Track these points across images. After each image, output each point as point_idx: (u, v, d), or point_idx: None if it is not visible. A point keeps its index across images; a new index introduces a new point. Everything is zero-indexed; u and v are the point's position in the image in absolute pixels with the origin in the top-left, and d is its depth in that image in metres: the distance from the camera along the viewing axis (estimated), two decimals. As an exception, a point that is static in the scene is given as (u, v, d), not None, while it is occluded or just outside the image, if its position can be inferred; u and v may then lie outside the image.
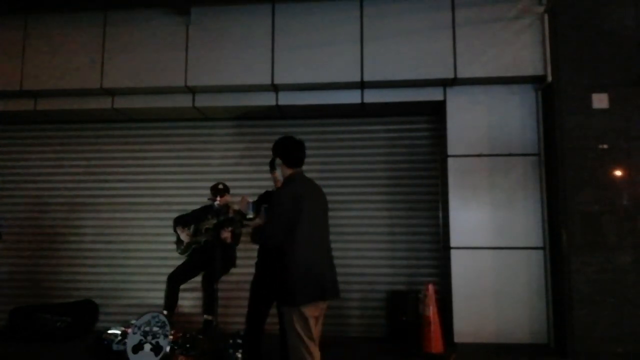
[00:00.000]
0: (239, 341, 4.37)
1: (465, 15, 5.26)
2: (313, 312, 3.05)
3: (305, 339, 2.99)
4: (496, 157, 5.27)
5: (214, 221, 4.88)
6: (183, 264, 5.14)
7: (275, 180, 3.79)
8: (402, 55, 5.27)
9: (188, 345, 4.49)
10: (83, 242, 6.24)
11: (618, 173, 4.78)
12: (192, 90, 5.65)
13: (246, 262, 5.82)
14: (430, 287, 5.03)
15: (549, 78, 5.03)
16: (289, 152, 3.40)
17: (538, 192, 5.18)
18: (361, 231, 5.89)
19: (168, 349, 4.36)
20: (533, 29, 5.17)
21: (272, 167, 3.65)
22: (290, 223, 3.08)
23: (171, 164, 6.16)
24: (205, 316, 5.04)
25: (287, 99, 5.61)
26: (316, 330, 3.11)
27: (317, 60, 5.36)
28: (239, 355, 4.28)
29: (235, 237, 4.92)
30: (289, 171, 3.35)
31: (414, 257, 5.82)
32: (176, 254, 5.24)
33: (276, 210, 3.14)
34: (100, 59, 5.62)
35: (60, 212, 6.30)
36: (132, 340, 4.31)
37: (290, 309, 3.03)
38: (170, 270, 5.13)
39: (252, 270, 5.94)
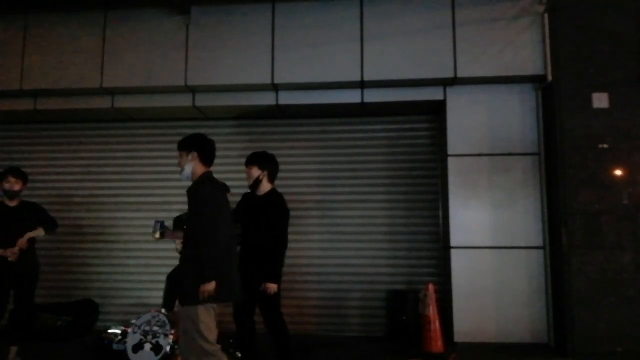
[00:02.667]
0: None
1: (465, 14, 5.26)
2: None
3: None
4: (496, 156, 5.27)
5: None
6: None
7: (250, 177, 3.79)
8: (402, 55, 5.27)
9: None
10: (83, 242, 6.24)
11: (618, 173, 4.78)
12: (192, 90, 5.65)
13: (246, 261, 5.83)
14: (430, 287, 5.03)
15: (549, 77, 5.03)
16: (206, 147, 3.28)
17: (538, 192, 5.18)
18: (361, 231, 5.89)
19: (168, 348, 4.37)
20: (533, 29, 5.17)
21: (253, 162, 3.73)
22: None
23: (171, 164, 6.13)
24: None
25: (287, 98, 5.61)
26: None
27: (317, 60, 5.36)
28: (239, 355, 4.28)
29: (236, 237, 4.92)
30: (203, 169, 3.22)
31: (414, 257, 5.82)
32: (176, 254, 5.23)
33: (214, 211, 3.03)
34: (100, 59, 5.63)
35: (60, 212, 6.28)
36: (132, 340, 4.32)
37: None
38: (170, 269, 5.13)
39: (252, 270, 5.98)
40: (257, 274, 3.66)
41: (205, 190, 3.08)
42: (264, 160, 3.88)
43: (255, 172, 3.82)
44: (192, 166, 3.20)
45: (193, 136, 3.34)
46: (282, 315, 3.80)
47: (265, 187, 3.85)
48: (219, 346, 3.04)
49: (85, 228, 6.24)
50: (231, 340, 4.40)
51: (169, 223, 3.77)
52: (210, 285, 2.91)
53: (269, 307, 3.76)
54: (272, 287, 3.66)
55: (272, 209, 3.74)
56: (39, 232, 4.50)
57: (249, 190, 4.02)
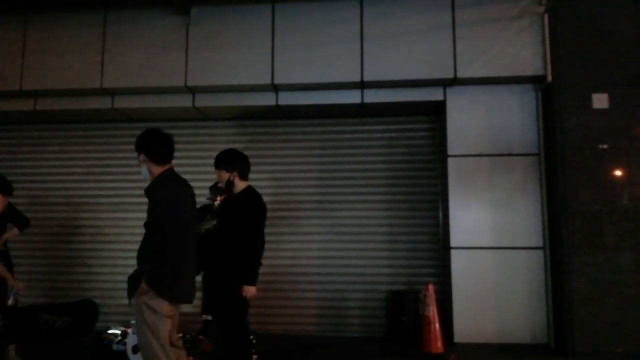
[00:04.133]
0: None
1: (465, 15, 5.26)
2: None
3: None
4: (496, 157, 5.27)
5: (214, 222, 4.87)
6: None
7: (221, 181, 3.69)
8: (402, 55, 5.27)
9: (188, 345, 4.48)
10: (83, 242, 6.24)
11: (618, 173, 4.78)
12: (192, 90, 5.65)
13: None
14: (431, 287, 5.03)
15: (549, 78, 5.03)
16: (156, 147, 3.08)
17: (538, 192, 5.18)
18: (361, 231, 5.89)
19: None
20: (533, 29, 5.17)
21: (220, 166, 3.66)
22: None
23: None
24: (205, 316, 5.03)
25: (287, 98, 5.61)
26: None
27: (317, 60, 5.36)
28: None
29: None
30: (159, 169, 3.08)
31: (414, 257, 5.82)
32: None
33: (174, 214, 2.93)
34: (100, 59, 5.62)
35: (60, 212, 6.30)
36: (132, 340, 4.30)
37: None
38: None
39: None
40: (233, 275, 3.49)
41: (160, 192, 2.98)
42: (230, 161, 3.71)
43: (224, 175, 3.68)
44: (146, 168, 3.08)
45: (141, 136, 3.13)
46: (247, 325, 3.60)
47: (239, 186, 3.70)
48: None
49: (85, 228, 6.24)
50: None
51: None
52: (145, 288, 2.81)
53: (237, 312, 3.53)
54: (251, 290, 3.47)
55: (247, 207, 3.60)
56: (14, 233, 4.42)
57: None
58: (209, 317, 4.98)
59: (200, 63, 5.48)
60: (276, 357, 4.64)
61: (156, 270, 2.82)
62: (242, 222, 3.53)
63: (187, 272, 2.97)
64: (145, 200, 3.08)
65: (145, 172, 3.12)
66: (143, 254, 2.93)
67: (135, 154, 3.12)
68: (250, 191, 3.71)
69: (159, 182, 3.05)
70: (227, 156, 3.74)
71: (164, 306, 2.82)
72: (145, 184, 3.11)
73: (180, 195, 3.04)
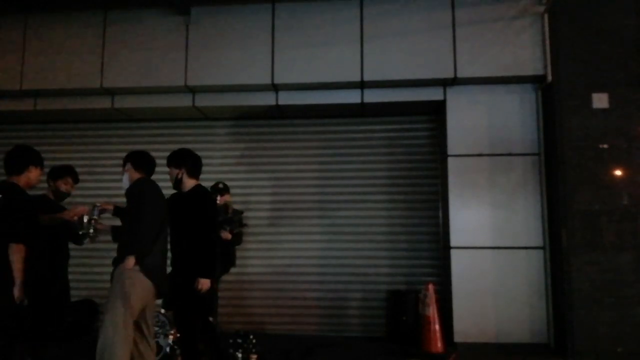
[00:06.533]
0: (239, 341, 4.37)
1: (465, 15, 5.26)
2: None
3: None
4: (496, 156, 5.27)
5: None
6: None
7: (170, 178, 3.79)
8: (402, 55, 5.27)
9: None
10: (83, 242, 6.23)
11: (618, 173, 4.78)
12: (192, 90, 5.65)
13: (246, 262, 5.84)
14: (431, 287, 5.03)
15: (549, 78, 5.03)
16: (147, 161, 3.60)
17: (538, 192, 5.18)
18: (361, 231, 5.89)
19: (168, 348, 4.37)
20: (533, 29, 5.17)
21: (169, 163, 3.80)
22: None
23: (171, 164, 6.16)
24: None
25: (287, 98, 5.61)
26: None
27: (317, 60, 5.36)
28: (239, 355, 4.29)
29: (236, 237, 4.91)
30: (138, 175, 3.51)
31: (414, 257, 5.82)
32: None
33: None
34: (100, 59, 5.62)
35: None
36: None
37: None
38: (170, 269, 5.12)
39: (252, 269, 5.97)
40: (189, 273, 3.52)
41: (138, 188, 3.36)
42: (178, 159, 3.79)
43: (173, 172, 3.77)
44: (129, 175, 3.54)
45: (139, 153, 3.66)
46: (198, 321, 3.62)
47: (188, 184, 3.75)
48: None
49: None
50: (231, 341, 4.40)
51: None
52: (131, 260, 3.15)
53: (191, 307, 3.57)
54: (205, 282, 3.47)
55: (195, 204, 3.64)
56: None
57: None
58: (209, 317, 4.97)
59: (200, 63, 5.48)
60: (276, 357, 4.64)
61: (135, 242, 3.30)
62: (193, 218, 3.57)
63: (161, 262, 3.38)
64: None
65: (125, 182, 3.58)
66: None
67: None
68: (198, 188, 3.77)
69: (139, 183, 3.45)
70: (177, 154, 3.84)
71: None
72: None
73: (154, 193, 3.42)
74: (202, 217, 3.59)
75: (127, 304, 3.04)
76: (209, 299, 3.71)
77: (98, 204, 3.60)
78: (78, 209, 3.64)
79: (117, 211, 3.62)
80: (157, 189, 3.39)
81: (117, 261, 3.30)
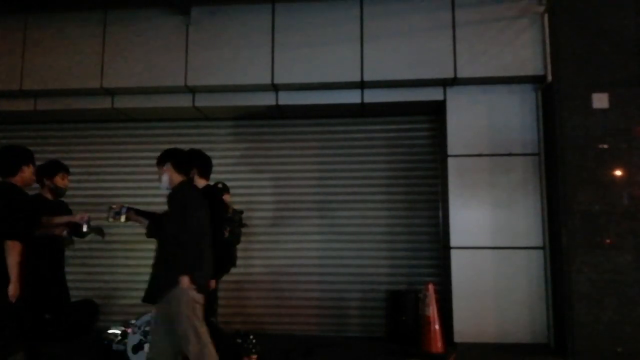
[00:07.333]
0: (239, 340, 4.37)
1: (465, 15, 5.26)
2: None
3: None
4: (496, 156, 5.27)
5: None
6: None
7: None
8: (402, 55, 5.27)
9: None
10: (83, 242, 6.21)
11: (618, 173, 4.78)
12: (192, 90, 5.65)
13: (246, 262, 5.84)
14: (430, 287, 5.03)
15: (549, 78, 5.04)
16: (179, 157, 3.60)
17: (538, 192, 5.18)
18: (361, 231, 5.89)
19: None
20: (533, 29, 5.17)
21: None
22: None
23: (171, 164, 6.15)
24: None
25: (287, 98, 5.61)
26: None
27: (317, 60, 5.36)
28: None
29: (236, 237, 4.91)
30: (180, 178, 3.50)
31: (413, 257, 5.82)
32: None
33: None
34: (100, 59, 5.62)
35: (60, 212, 6.29)
36: (132, 340, 4.32)
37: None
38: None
39: (252, 270, 5.97)
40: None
41: (181, 193, 3.39)
42: (190, 160, 3.79)
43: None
44: (169, 176, 3.48)
45: (179, 150, 3.64)
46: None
47: (198, 184, 3.83)
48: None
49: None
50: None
51: None
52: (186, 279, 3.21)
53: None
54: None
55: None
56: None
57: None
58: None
59: (200, 63, 5.48)
60: (276, 357, 4.64)
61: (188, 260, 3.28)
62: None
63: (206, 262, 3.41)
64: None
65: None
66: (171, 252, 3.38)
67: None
68: (209, 190, 3.83)
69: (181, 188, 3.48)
70: (188, 154, 3.84)
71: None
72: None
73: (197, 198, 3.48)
74: (213, 217, 3.60)
75: (197, 331, 3.23)
76: (209, 299, 3.70)
77: (114, 206, 3.71)
78: (77, 217, 3.85)
79: (148, 215, 3.69)
80: (200, 195, 3.47)
81: (168, 277, 3.32)
